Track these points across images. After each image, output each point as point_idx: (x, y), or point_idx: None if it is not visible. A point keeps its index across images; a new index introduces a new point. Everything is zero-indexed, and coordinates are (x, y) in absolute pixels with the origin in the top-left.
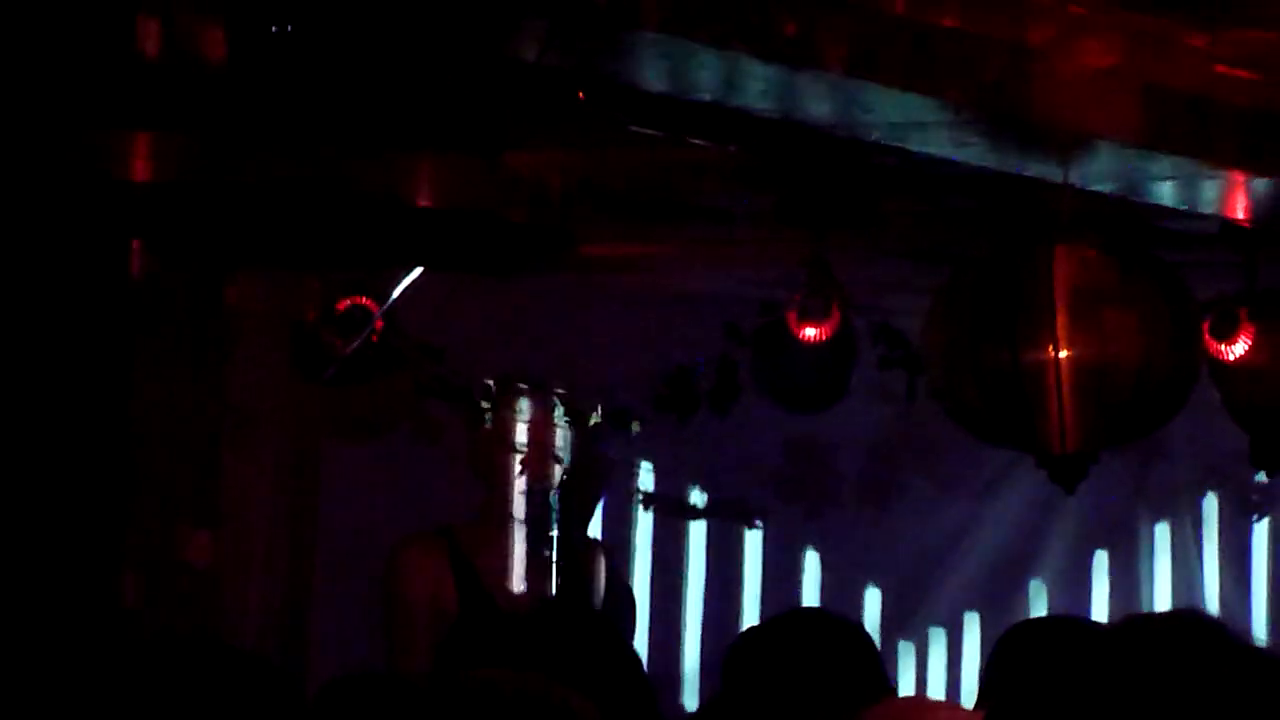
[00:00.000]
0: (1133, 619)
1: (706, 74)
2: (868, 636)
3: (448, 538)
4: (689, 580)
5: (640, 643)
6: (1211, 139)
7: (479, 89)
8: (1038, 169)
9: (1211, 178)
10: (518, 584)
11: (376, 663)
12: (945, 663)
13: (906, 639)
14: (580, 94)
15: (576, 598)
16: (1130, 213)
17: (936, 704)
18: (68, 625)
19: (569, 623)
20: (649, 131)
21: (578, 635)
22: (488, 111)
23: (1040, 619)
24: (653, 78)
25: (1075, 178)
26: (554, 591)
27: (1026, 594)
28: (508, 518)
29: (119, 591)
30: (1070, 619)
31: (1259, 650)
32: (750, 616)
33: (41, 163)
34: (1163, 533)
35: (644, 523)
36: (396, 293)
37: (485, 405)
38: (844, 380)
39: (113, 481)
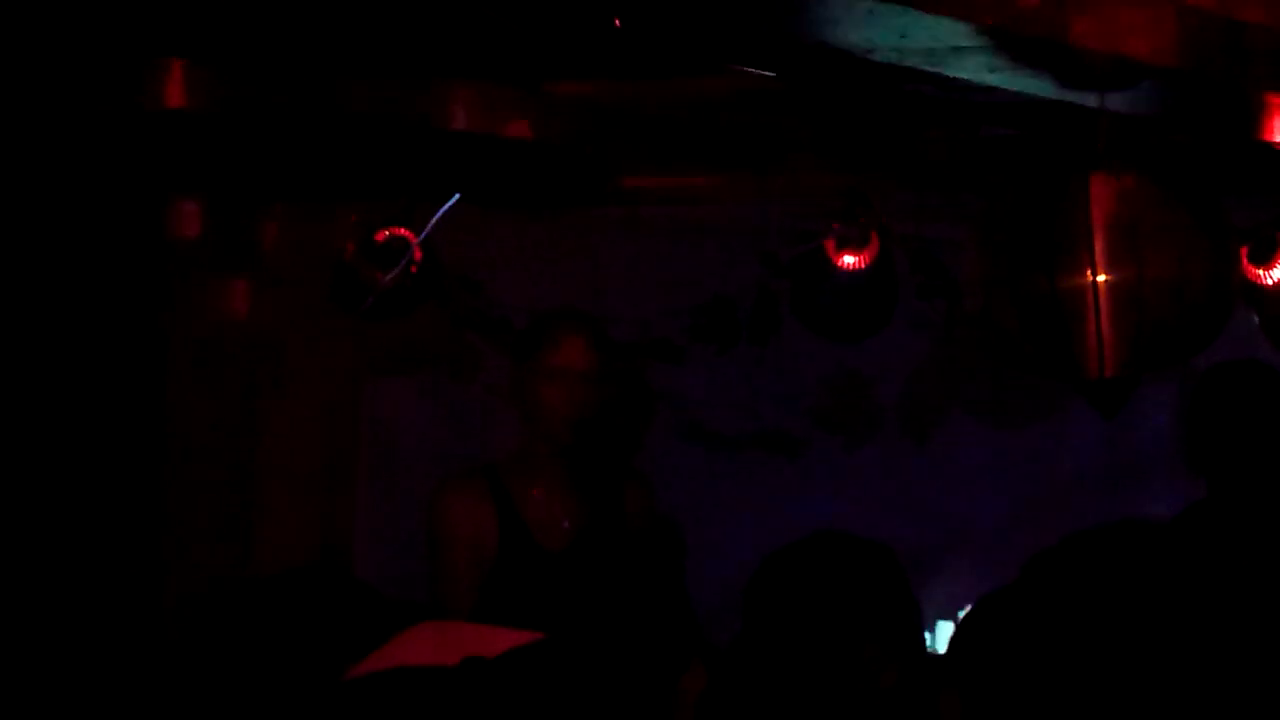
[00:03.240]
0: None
1: None
2: (895, 558)
3: (489, 477)
4: (731, 512)
5: (687, 576)
6: (1248, 62)
7: (517, 16)
8: (1073, 96)
9: (1248, 101)
10: (559, 520)
11: (421, 600)
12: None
13: (946, 569)
14: (617, 21)
15: (617, 532)
16: (1167, 139)
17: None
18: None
19: (607, 558)
20: (687, 60)
21: (616, 570)
22: (526, 39)
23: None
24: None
25: (1111, 104)
26: (595, 526)
27: (1076, 522)
28: (549, 452)
29: (158, 553)
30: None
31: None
32: None
33: (73, 94)
34: None
35: (686, 455)
36: (434, 221)
37: (525, 336)
38: (884, 310)
39: (148, 430)
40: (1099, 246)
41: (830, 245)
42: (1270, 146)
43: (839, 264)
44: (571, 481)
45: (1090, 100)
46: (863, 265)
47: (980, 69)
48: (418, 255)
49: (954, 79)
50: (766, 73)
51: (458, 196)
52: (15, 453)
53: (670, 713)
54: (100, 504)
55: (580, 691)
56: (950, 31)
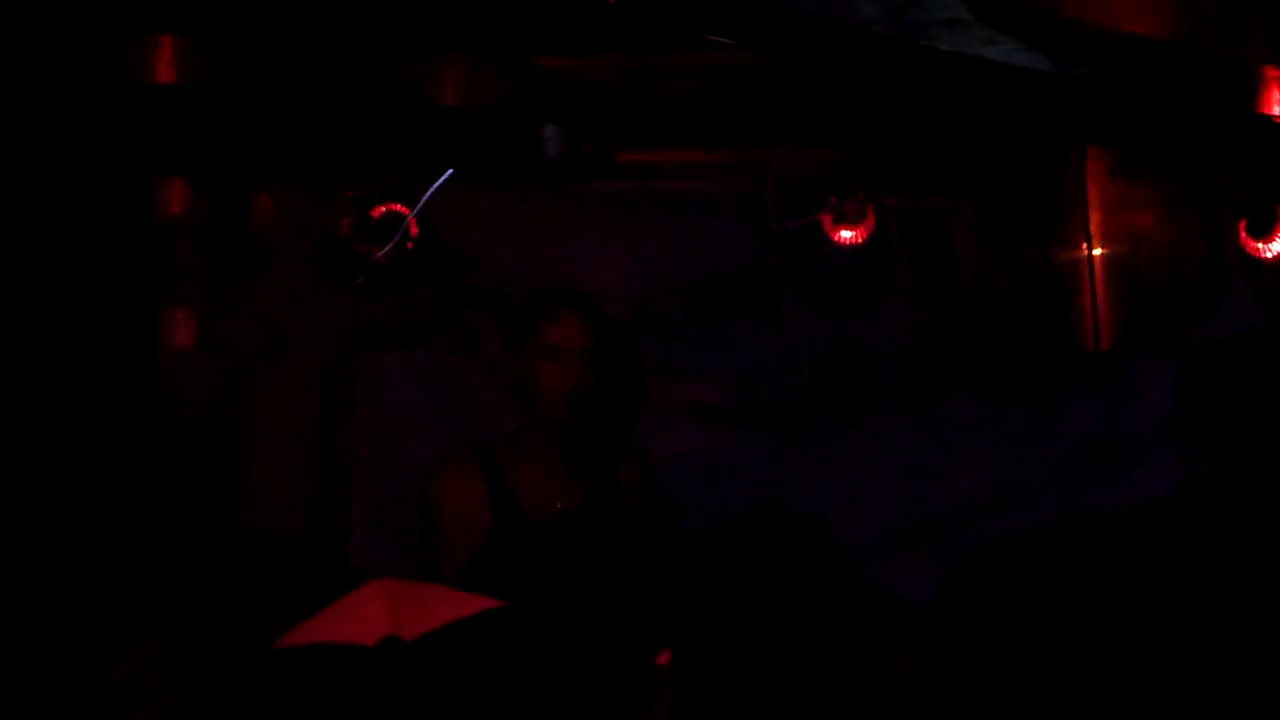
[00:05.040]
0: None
1: None
2: (827, 530)
3: (482, 455)
4: (726, 489)
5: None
6: (1245, 34)
7: None
8: (1069, 70)
9: (1245, 74)
10: (553, 497)
11: (416, 576)
12: None
13: (944, 545)
14: None
15: (612, 509)
16: (1164, 112)
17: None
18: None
19: (601, 535)
20: (682, 35)
21: (610, 547)
22: (520, 13)
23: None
24: None
25: (1107, 78)
26: (589, 504)
27: (1074, 497)
28: (545, 429)
29: (156, 518)
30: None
31: None
32: None
33: (59, 69)
34: None
35: (681, 431)
36: (428, 195)
37: (521, 313)
38: (880, 285)
39: (138, 411)
40: (1094, 220)
41: (827, 220)
42: (1268, 119)
43: (835, 239)
44: (566, 459)
45: (1086, 74)
46: (859, 240)
47: (976, 43)
48: (413, 231)
49: (950, 53)
50: (762, 47)
51: (452, 171)
52: (5, 427)
53: (651, 687)
54: (91, 479)
55: (527, 664)
56: (946, 6)
